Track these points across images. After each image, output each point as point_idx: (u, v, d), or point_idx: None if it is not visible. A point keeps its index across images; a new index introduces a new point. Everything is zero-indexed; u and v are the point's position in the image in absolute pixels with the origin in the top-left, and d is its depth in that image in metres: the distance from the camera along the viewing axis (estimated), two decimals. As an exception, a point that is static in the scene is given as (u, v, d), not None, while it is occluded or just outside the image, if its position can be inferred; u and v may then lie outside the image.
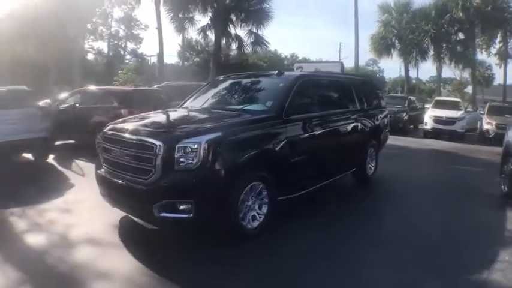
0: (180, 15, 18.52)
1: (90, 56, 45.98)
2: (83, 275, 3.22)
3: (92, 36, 46.59)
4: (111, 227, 4.23)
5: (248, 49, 20.25)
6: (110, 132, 4.13)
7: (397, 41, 27.42)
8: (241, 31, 18.81)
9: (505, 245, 4.11)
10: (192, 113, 4.73)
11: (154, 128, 4.01)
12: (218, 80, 5.90)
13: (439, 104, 15.62)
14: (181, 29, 19.49)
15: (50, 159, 7.84)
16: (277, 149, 4.16)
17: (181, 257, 3.61)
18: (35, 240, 3.95)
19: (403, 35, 26.63)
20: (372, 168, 6.77)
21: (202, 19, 19.14)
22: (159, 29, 18.28)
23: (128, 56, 47.93)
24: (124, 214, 4.26)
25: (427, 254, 3.76)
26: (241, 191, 3.76)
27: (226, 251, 3.73)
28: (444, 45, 26.58)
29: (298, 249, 3.80)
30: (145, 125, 4.11)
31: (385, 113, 7.33)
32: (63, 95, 10.45)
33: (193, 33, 20.44)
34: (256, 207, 4.03)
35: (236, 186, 3.69)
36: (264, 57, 39.48)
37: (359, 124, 6.06)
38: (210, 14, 17.77)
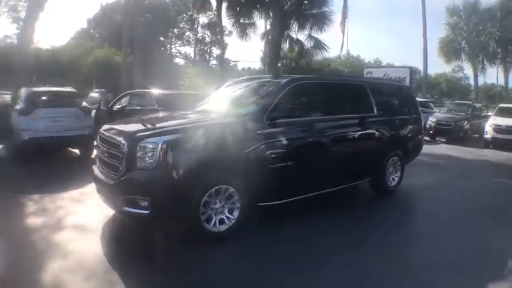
0: (242, 21, 18.96)
1: (177, 60, 49.51)
2: (51, 252, 3.67)
3: (179, 42, 50.39)
4: (103, 218, 4.53)
5: (311, 54, 19.94)
6: (101, 132, 4.45)
7: (466, 44, 24.79)
8: (301, 35, 18.63)
9: None
10: (176, 116, 4.85)
11: (128, 128, 4.24)
12: (226, 84, 5.94)
13: (502, 112, 13.68)
14: (243, 34, 19.95)
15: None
16: (252, 153, 4.06)
17: (141, 252, 3.73)
18: (33, 220, 4.56)
19: (471, 38, 24.00)
20: (396, 179, 6.22)
21: (263, 24, 19.38)
22: (221, 33, 18.94)
23: (214, 61, 49.71)
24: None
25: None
26: (203, 192, 3.77)
27: (191, 252, 3.75)
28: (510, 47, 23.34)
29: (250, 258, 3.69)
30: (125, 126, 4.36)
31: (415, 120, 6.68)
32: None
33: (256, 39, 20.76)
34: (226, 211, 3.99)
35: (196, 187, 3.71)
36: (346, 63, 38.95)
37: (374, 131, 5.62)
38: (270, 19, 17.89)
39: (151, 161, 3.63)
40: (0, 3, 17.66)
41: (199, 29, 48.80)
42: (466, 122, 13.65)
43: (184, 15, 46.08)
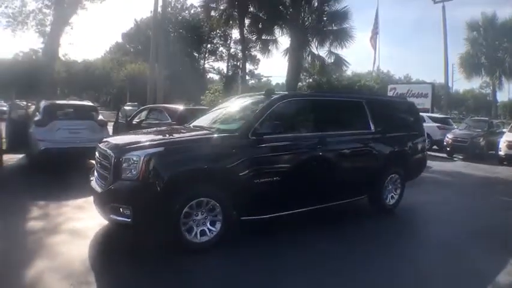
0: (264, 37, 19.31)
1: (210, 75, 50.65)
2: (41, 252, 3.99)
3: (212, 57, 51.74)
4: (98, 225, 4.74)
5: (332, 70, 19.98)
6: (98, 145, 4.72)
7: (485, 60, 24.00)
8: (322, 51, 18.72)
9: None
10: (167, 130, 5.08)
11: (119, 141, 4.49)
12: (227, 100, 6.15)
13: None
14: (266, 50, 20.28)
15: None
16: (235, 167, 4.18)
17: (122, 258, 3.92)
18: (33, 224, 4.91)
19: (489, 53, 23.21)
20: (395, 197, 6.13)
21: (285, 40, 19.63)
22: (243, 50, 19.32)
23: (247, 77, 50.66)
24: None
25: None
26: (184, 204, 3.91)
27: (170, 260, 3.89)
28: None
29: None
30: (117, 139, 4.63)
31: (418, 137, 6.58)
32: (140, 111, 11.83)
33: (278, 55, 21.06)
34: (208, 223, 4.11)
35: (176, 199, 3.87)
36: (377, 79, 38.80)
37: (369, 148, 5.61)
38: (290, 35, 18.11)
39: (134, 172, 3.86)
40: (28, 17, 18.78)
41: (231, 44, 49.78)
42: (481, 139, 13.23)
43: (218, 31, 47.32)
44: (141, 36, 50.15)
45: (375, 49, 40.70)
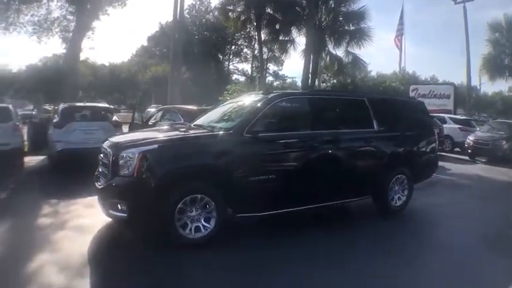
0: (281, 38, 19.35)
1: (235, 76, 51.09)
2: (44, 246, 4.20)
3: (237, 58, 52.24)
4: (102, 222, 4.87)
5: (349, 70, 19.78)
6: (102, 144, 4.89)
7: (509, 61, 22.95)
8: (339, 51, 18.57)
9: None
10: (166, 129, 5.22)
11: (118, 140, 4.65)
12: (229, 99, 6.24)
13: None
14: (283, 51, 20.33)
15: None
16: (228, 165, 4.27)
17: (120, 253, 4.06)
18: (42, 220, 5.20)
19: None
20: (402, 198, 6.01)
21: (303, 41, 19.58)
22: (260, 50, 19.40)
23: (271, 78, 50.26)
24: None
25: None
26: (178, 200, 4.02)
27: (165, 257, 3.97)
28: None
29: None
30: (118, 138, 4.82)
31: (426, 138, 6.43)
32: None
33: (296, 56, 21.01)
34: (202, 219, 4.19)
35: (170, 195, 3.98)
36: (402, 79, 38.11)
37: (371, 147, 5.55)
38: (306, 35, 18.06)
39: (130, 168, 4.01)
40: (53, 24, 19.57)
41: (256, 45, 49.98)
42: (504, 142, 12.66)
43: (242, 32, 47.79)
44: (165, 39, 51.07)
45: (400, 49, 39.94)
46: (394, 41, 42.89)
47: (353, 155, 5.37)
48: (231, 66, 52.73)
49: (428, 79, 50.82)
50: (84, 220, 5.11)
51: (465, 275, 3.85)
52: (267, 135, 4.53)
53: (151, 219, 4.07)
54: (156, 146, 4.10)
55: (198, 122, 5.49)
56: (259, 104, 4.78)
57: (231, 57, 52.38)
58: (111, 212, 4.16)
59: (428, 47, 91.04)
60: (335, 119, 5.43)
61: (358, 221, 5.72)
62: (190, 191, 4.09)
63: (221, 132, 4.49)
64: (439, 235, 5.30)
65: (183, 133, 4.74)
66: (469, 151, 13.70)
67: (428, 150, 6.52)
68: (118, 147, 4.29)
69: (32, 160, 9.96)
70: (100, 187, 4.38)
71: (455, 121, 16.82)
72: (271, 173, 4.51)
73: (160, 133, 4.84)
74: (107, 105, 10.17)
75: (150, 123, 10.91)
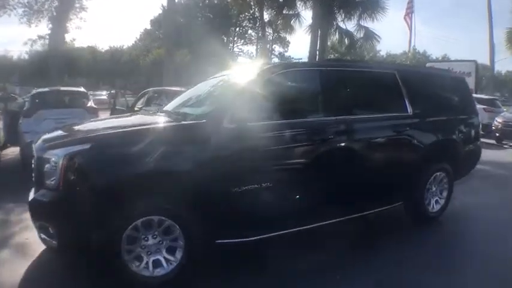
0: (285, 12, 17.69)
1: (240, 59, 49.83)
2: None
3: (241, 40, 50.86)
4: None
5: (362, 45, 18.12)
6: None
7: None
8: (349, 25, 16.89)
9: None
10: (114, 120, 3.97)
11: (51, 135, 3.40)
12: (211, 77, 4.69)
13: None
14: (287, 27, 18.69)
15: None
16: (203, 170, 2.88)
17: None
18: None
19: None
20: (440, 201, 4.65)
21: (308, 15, 17.93)
22: (262, 27, 17.82)
23: (276, 59, 49.22)
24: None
25: None
26: (123, 224, 2.70)
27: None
28: None
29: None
30: (53, 133, 3.54)
31: (470, 123, 5.00)
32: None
33: (301, 32, 19.43)
34: (164, 250, 2.87)
35: (111, 216, 2.66)
36: (412, 59, 36.53)
37: (405, 137, 4.12)
38: (313, 7, 16.32)
39: (54, 178, 2.71)
40: (44, 5, 18.39)
41: (260, 27, 48.42)
42: None
43: (246, 14, 46.10)
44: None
45: (410, 28, 37.96)
46: (404, 18, 40.90)
47: (383, 149, 3.96)
48: (235, 49, 51.49)
49: (440, 58, 48.56)
50: (31, 235, 3.84)
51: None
52: (260, 125, 3.13)
53: (90, 249, 2.73)
54: (88, 145, 2.74)
55: (168, 106, 4.10)
56: (248, 80, 3.37)
57: (235, 39, 51.07)
58: (42, 236, 2.91)
59: (440, 25, 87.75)
60: (356, 100, 3.90)
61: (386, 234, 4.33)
62: (141, 211, 2.74)
63: (190, 122, 3.11)
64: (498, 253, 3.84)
65: (133, 125, 3.34)
66: (497, 134, 12.52)
67: (471, 137, 5.08)
68: (43, 147, 3.00)
69: (9, 153, 8.68)
70: (29, 201, 3.07)
71: (479, 101, 15.23)
72: (266, 179, 3.11)
73: (104, 126, 3.45)
74: (81, 90, 8.82)
75: (136, 108, 9.64)
